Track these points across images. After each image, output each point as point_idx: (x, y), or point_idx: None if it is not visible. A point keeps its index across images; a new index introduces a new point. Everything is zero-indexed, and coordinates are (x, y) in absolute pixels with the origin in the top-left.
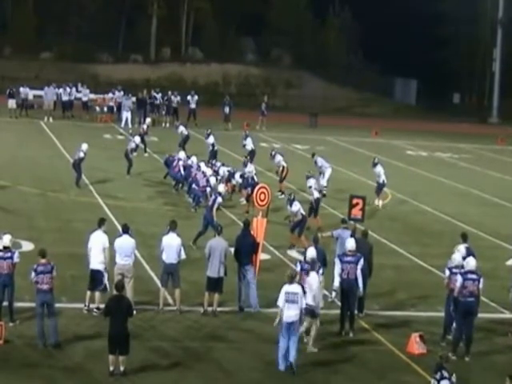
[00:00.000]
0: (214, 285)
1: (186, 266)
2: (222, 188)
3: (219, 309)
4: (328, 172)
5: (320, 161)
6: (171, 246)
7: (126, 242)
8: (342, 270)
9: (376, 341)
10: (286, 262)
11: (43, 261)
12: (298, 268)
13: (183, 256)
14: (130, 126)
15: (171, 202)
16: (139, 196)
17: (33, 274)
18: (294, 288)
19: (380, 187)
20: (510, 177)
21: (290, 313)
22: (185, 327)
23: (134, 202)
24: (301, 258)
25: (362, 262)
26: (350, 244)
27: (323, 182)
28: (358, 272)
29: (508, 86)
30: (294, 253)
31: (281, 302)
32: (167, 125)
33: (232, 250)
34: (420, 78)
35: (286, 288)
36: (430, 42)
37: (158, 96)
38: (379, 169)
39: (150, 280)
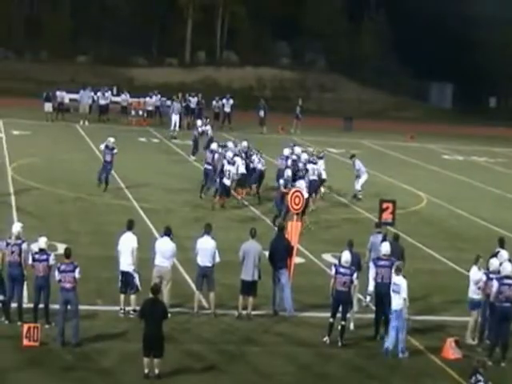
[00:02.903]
0: (248, 288)
1: (220, 269)
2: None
3: (253, 312)
4: (364, 177)
5: (358, 164)
6: (206, 249)
7: (165, 245)
8: (377, 273)
9: (411, 345)
10: (320, 265)
11: (67, 260)
12: (333, 271)
13: (217, 259)
14: (177, 129)
15: (206, 206)
16: (173, 199)
17: (56, 272)
18: (399, 280)
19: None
20: None
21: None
22: (219, 330)
23: (169, 205)
24: (335, 261)
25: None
26: (385, 248)
27: (358, 186)
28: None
29: None
30: (328, 257)
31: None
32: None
33: (266, 253)
34: (455, 81)
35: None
36: (465, 45)
37: (193, 100)
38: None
39: (185, 283)
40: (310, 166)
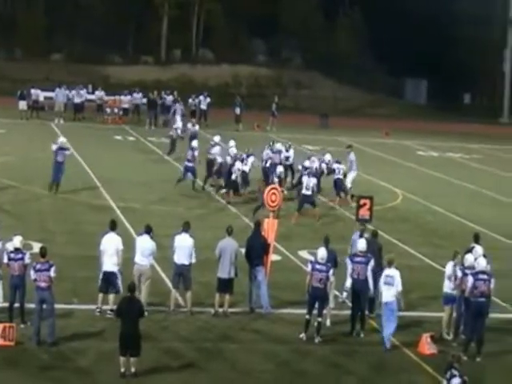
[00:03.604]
0: (225, 286)
1: (196, 267)
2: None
3: (230, 310)
4: (353, 173)
5: (352, 156)
6: (183, 246)
7: (144, 243)
8: (353, 270)
9: None
10: (296, 262)
11: (42, 259)
12: (309, 268)
13: (193, 260)
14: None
15: (183, 203)
16: (150, 198)
17: (32, 272)
18: (392, 272)
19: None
20: None
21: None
22: (196, 328)
23: (145, 203)
24: (312, 258)
25: (372, 262)
26: (361, 245)
27: (349, 183)
28: (369, 273)
29: None
30: (305, 253)
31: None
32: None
33: (243, 250)
34: (430, 78)
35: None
36: (440, 42)
37: (169, 98)
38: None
39: (162, 282)
40: (335, 166)
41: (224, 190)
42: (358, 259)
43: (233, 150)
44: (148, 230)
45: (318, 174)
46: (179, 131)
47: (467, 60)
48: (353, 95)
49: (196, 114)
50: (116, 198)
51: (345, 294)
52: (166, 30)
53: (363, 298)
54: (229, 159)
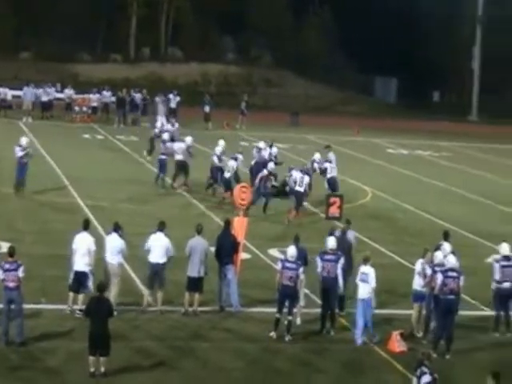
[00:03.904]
0: (195, 285)
1: (166, 266)
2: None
3: (200, 308)
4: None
5: (331, 156)
6: (157, 245)
7: (113, 241)
8: (323, 268)
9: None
10: (266, 260)
11: (10, 259)
12: (279, 266)
13: (164, 259)
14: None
15: (152, 202)
16: (119, 196)
17: (0, 271)
18: (367, 269)
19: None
20: (490, 174)
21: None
22: (167, 327)
23: (114, 202)
24: (282, 256)
25: (342, 260)
26: (331, 243)
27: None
28: (339, 271)
29: (487, 83)
30: (275, 252)
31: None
32: (147, 124)
33: (213, 249)
34: (400, 76)
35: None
36: (409, 40)
37: (138, 96)
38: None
39: (131, 280)
40: (327, 165)
41: (214, 188)
42: (327, 257)
43: (218, 149)
44: (116, 228)
45: (310, 173)
46: (157, 130)
47: (436, 58)
48: (323, 93)
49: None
50: (84, 197)
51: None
52: (135, 28)
53: (333, 296)
54: (215, 158)
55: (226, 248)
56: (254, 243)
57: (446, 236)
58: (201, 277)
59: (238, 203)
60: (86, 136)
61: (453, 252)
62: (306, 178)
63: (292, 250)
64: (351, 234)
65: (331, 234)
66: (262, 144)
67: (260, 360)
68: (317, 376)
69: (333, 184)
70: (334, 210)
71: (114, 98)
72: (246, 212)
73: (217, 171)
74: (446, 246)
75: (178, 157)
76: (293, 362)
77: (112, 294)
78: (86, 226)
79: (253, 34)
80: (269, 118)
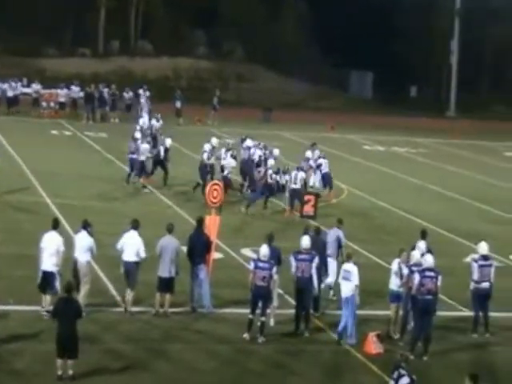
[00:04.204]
0: (166, 285)
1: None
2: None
3: (171, 309)
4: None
5: (310, 154)
6: (130, 243)
7: (81, 239)
8: (297, 268)
9: (332, 341)
10: (239, 260)
11: None
12: (252, 266)
13: (143, 255)
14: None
15: (121, 200)
16: (87, 194)
17: None
18: (350, 267)
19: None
20: (468, 171)
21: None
22: (137, 329)
23: (83, 200)
24: (254, 256)
25: (316, 260)
26: (305, 242)
27: (311, 181)
28: (313, 270)
29: (466, 78)
30: (247, 251)
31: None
32: (116, 120)
33: (184, 248)
34: (376, 70)
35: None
36: (386, 34)
37: (106, 91)
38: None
39: (100, 280)
40: (321, 161)
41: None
42: (301, 257)
43: (208, 147)
44: (86, 226)
45: (305, 170)
46: (144, 126)
47: (414, 52)
48: (297, 88)
49: (131, 108)
50: (52, 195)
51: (332, 292)
52: (104, 21)
53: (307, 297)
54: (205, 156)
55: (198, 247)
56: (226, 242)
57: (424, 235)
58: (172, 277)
59: (209, 202)
60: (54, 132)
61: (430, 251)
62: (301, 175)
63: (264, 250)
64: (340, 234)
65: (305, 233)
66: (250, 142)
67: (233, 362)
68: (291, 378)
69: (328, 179)
70: (308, 209)
71: (82, 94)
72: (219, 211)
73: (205, 169)
74: (421, 244)
75: (142, 157)
76: (266, 363)
77: (81, 294)
78: (56, 225)
79: (225, 27)
80: (241, 113)
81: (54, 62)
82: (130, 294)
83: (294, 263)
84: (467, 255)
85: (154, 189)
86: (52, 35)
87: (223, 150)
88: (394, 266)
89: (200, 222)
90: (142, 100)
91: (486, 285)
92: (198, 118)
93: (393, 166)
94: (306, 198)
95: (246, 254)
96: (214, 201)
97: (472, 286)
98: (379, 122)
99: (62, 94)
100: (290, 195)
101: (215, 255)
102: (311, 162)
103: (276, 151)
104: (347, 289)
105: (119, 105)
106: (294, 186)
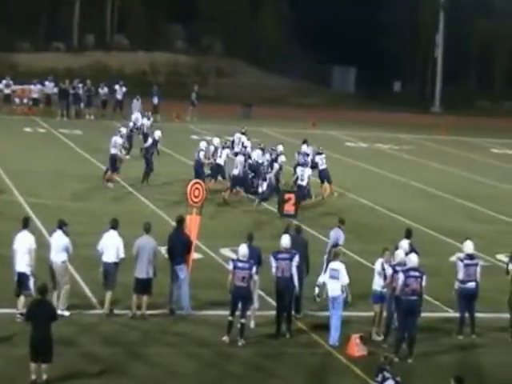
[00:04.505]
0: (143, 286)
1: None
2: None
3: (148, 312)
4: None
5: (309, 150)
6: (110, 243)
7: (56, 239)
8: (277, 268)
9: (314, 343)
10: (218, 260)
11: None
12: (231, 266)
13: (122, 255)
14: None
15: (96, 199)
16: (62, 193)
17: None
18: (337, 265)
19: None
20: (453, 168)
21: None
22: (114, 331)
23: (57, 199)
24: (234, 256)
25: (297, 258)
26: (285, 241)
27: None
28: (294, 269)
29: (451, 73)
30: (227, 251)
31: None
32: (92, 117)
33: (162, 249)
34: (359, 65)
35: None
36: (369, 29)
37: (80, 86)
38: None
39: (75, 282)
40: (318, 157)
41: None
42: (281, 256)
43: (204, 145)
44: (61, 225)
45: (309, 165)
46: (131, 124)
47: (397, 46)
48: (278, 84)
49: (107, 104)
50: (25, 194)
51: (317, 289)
52: (79, 15)
53: (288, 297)
54: (201, 154)
55: (178, 247)
56: (205, 243)
57: (409, 234)
58: (149, 278)
59: (190, 201)
60: (27, 129)
61: (415, 250)
62: (308, 171)
63: (243, 249)
64: (341, 234)
65: (286, 232)
66: (244, 140)
67: (213, 365)
68: (272, 381)
69: (326, 176)
70: (289, 208)
71: (56, 90)
72: (200, 210)
73: (200, 167)
74: (403, 243)
75: (114, 150)
76: (246, 366)
77: (62, 296)
78: (26, 223)
79: (203, 21)
80: (220, 109)
81: (27, 56)
82: (108, 295)
83: (273, 263)
84: (452, 254)
85: (131, 187)
86: (25, 29)
87: (219, 149)
88: (378, 265)
89: (180, 221)
90: (119, 96)
91: (471, 285)
92: (177, 115)
93: (376, 162)
94: (286, 196)
95: (225, 253)
96: (196, 200)
97: (457, 285)
98: (362, 117)
99: (35, 89)
100: (298, 192)
101: (194, 255)
102: (309, 158)
103: (280, 147)
104: (335, 288)
105: (95, 101)
106: (301, 183)
